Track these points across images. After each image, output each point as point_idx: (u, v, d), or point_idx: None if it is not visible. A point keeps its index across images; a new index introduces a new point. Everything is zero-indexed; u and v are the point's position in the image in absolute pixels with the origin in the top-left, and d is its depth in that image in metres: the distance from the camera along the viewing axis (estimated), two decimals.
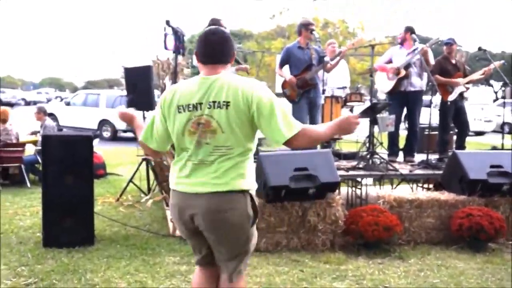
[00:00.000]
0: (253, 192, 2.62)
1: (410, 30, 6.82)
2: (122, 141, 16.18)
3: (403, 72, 6.65)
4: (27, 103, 38.98)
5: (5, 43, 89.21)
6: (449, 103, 6.85)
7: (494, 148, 7.58)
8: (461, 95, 6.98)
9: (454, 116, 7.07)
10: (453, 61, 7.06)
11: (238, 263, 2.67)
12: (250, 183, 2.58)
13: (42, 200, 4.97)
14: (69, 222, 4.87)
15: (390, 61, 6.92)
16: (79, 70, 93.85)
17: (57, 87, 64.63)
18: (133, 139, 16.42)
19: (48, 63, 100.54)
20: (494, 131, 21.32)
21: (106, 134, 16.66)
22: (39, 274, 4.19)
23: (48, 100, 40.10)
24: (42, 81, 72.97)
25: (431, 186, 6.83)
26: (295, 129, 2.49)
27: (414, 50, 6.62)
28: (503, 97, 28.74)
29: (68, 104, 18.45)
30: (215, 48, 2.56)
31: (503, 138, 7.41)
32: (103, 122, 16.78)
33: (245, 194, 2.56)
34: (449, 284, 4.23)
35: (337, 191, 5.31)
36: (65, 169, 4.89)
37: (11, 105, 33.36)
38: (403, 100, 6.79)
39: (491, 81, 34.32)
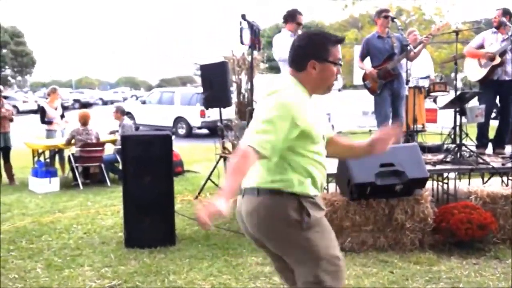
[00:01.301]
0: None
1: (508, 13, 6.25)
2: (196, 137, 16.42)
3: (497, 60, 6.12)
4: (105, 103, 40.62)
5: (81, 45, 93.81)
6: None
7: None
8: None
9: None
10: None
11: (307, 272, 2.37)
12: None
13: (122, 200, 5.03)
14: (150, 222, 4.88)
15: (481, 47, 6.41)
16: (153, 69, 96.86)
17: (132, 86, 67.08)
18: (208, 136, 16.78)
19: (123, 62, 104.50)
20: None
21: (181, 131, 16.96)
22: (123, 275, 4.21)
23: (124, 99, 41.64)
24: (118, 80, 76.15)
25: None
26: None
27: (510, 36, 6.10)
28: None
29: (144, 102, 18.96)
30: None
31: None
32: (178, 120, 17.08)
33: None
34: None
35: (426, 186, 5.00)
36: (145, 168, 4.91)
37: (89, 105, 35.07)
38: (496, 89, 6.28)
39: None
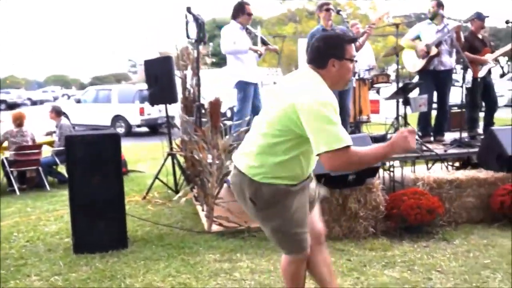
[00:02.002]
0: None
1: (441, 4, 6.50)
2: (137, 136, 16.08)
3: (434, 50, 6.38)
4: (34, 103, 38.86)
5: (6, 42, 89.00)
6: (479, 79, 6.62)
7: None
8: (489, 71, 6.77)
9: (483, 92, 6.87)
10: (480, 37, 6.80)
11: (276, 242, 2.84)
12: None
13: (69, 204, 4.77)
14: (100, 225, 4.67)
15: (417, 38, 6.64)
16: (84, 66, 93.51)
17: (63, 84, 64.43)
18: (148, 134, 16.44)
19: (52, 60, 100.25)
20: (506, 106, 21.18)
21: (120, 130, 16.43)
22: (75, 283, 4.00)
23: (55, 99, 40.07)
24: (46, 79, 72.89)
25: (457, 164, 6.72)
26: None
27: (444, 26, 6.36)
28: (509, 72, 28.70)
29: (78, 101, 18.29)
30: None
31: None
32: (117, 118, 16.62)
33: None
34: (501, 264, 4.11)
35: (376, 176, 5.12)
36: (92, 170, 4.69)
37: (17, 105, 33.38)
38: (433, 79, 6.54)
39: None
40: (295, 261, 2.86)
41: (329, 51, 2.63)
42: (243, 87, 5.72)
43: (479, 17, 6.59)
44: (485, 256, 4.29)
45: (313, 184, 2.94)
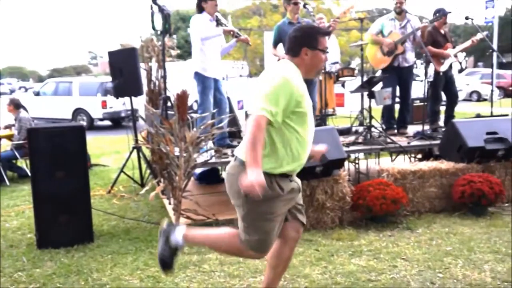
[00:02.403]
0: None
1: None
2: (99, 130, 15.77)
3: (401, 49, 6.52)
4: None
5: None
6: (441, 73, 6.76)
7: (478, 115, 7.62)
8: (450, 65, 6.93)
9: (444, 86, 7.04)
10: (443, 32, 6.94)
11: (245, 233, 2.85)
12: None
13: (32, 198, 4.64)
14: (64, 220, 4.59)
15: (380, 33, 6.75)
16: (42, 58, 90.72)
17: (20, 76, 62.49)
18: (111, 128, 16.14)
19: (7, 51, 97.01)
20: (464, 100, 21.85)
21: (82, 123, 16.12)
22: (40, 278, 3.92)
23: (12, 91, 38.78)
24: (2, 71, 70.40)
25: (419, 156, 6.90)
26: None
27: (407, 22, 6.48)
28: (466, 67, 29.72)
29: (37, 94, 17.70)
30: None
31: (492, 106, 7.41)
32: (78, 111, 16.21)
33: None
34: (462, 250, 4.26)
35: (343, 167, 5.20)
36: (56, 164, 4.59)
37: None
38: (397, 74, 6.67)
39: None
40: (245, 253, 2.93)
41: (302, 40, 2.80)
42: (201, 79, 5.66)
43: (443, 13, 6.73)
44: (447, 244, 4.43)
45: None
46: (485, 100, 21.74)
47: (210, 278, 3.83)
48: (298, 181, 2.97)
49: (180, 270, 3.98)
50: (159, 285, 3.73)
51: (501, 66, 26.24)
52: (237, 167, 2.78)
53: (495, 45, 10.91)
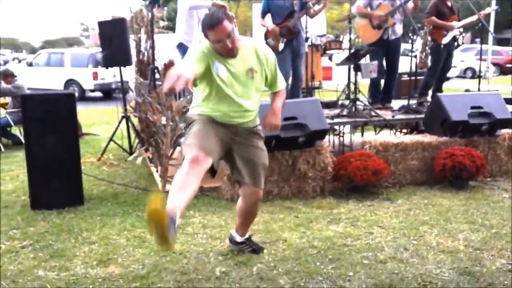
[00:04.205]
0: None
1: None
2: (90, 101, 15.82)
3: (391, 22, 6.46)
4: None
5: None
6: (442, 46, 6.69)
7: (467, 91, 7.69)
8: (453, 38, 6.81)
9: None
10: (449, 4, 6.79)
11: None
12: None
13: (26, 162, 4.79)
14: (56, 183, 4.75)
15: (369, 5, 6.67)
16: (35, 30, 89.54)
17: (13, 48, 61.87)
18: (102, 99, 16.18)
19: (0, 22, 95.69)
20: (458, 77, 21.78)
21: (73, 92, 16.18)
22: (33, 236, 4.09)
23: (5, 62, 38.29)
24: None
25: (404, 131, 6.98)
26: None
27: None
28: (463, 43, 29.40)
29: (30, 65, 17.73)
30: None
31: (479, 82, 7.49)
32: (70, 82, 16.26)
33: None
34: (439, 220, 4.39)
35: (325, 138, 5.33)
36: (48, 129, 4.73)
37: None
38: (384, 47, 6.64)
39: None
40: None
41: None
42: (185, 50, 5.73)
43: None
44: (424, 214, 4.57)
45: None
46: (479, 77, 21.61)
47: (193, 239, 4.00)
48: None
49: None
50: (145, 244, 3.89)
51: (499, 42, 25.72)
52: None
53: (492, 22, 10.79)
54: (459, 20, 6.81)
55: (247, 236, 3.70)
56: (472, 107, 5.69)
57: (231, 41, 3.02)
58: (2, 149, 7.88)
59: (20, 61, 30.58)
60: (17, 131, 8.35)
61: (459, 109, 5.64)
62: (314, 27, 7.19)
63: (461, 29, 6.88)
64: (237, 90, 3.15)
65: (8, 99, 8.36)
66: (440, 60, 6.86)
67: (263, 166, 3.38)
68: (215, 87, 3.12)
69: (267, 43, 6.20)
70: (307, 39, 6.30)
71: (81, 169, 4.96)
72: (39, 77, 16.57)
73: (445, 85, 7.42)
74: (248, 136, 3.31)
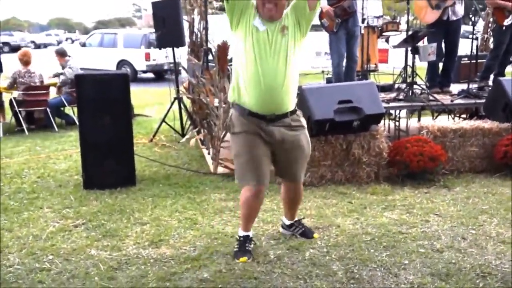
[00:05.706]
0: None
1: None
2: (142, 82, 16.06)
3: (450, 1, 6.18)
4: (37, 46, 38.31)
5: None
6: (504, 28, 6.30)
7: None
8: None
9: None
10: None
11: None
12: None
13: (80, 142, 4.89)
14: (109, 163, 4.81)
15: None
16: (88, 10, 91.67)
17: (66, 28, 63.52)
18: (154, 80, 16.38)
19: (54, 3, 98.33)
20: None
21: (126, 72, 16.43)
22: (86, 215, 4.17)
23: (59, 42, 39.48)
24: (49, 22, 71.79)
25: (463, 116, 6.71)
26: None
27: None
28: None
29: (83, 45, 18.11)
30: None
31: None
32: (122, 63, 16.48)
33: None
34: (499, 210, 4.21)
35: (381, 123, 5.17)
36: (102, 110, 4.78)
37: (20, 48, 32.85)
38: (444, 29, 6.35)
39: None
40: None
41: None
42: None
43: None
44: (484, 203, 4.39)
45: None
46: None
47: None
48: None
49: (216, 214, 4.15)
50: (196, 226, 3.90)
51: None
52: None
53: None
54: None
55: (296, 219, 3.70)
56: None
57: (276, 8, 3.09)
58: (56, 129, 8.08)
59: (73, 41, 31.36)
60: (71, 111, 8.55)
61: None
62: (371, 8, 6.95)
63: None
64: (268, 58, 3.11)
65: (58, 80, 8.53)
66: (502, 43, 6.50)
67: (305, 160, 3.42)
68: (249, 47, 3.12)
69: (322, 24, 6.06)
70: (363, 20, 6.10)
71: (133, 150, 5.00)
72: (92, 58, 16.88)
73: (508, 69, 7.05)
74: (287, 135, 3.25)
